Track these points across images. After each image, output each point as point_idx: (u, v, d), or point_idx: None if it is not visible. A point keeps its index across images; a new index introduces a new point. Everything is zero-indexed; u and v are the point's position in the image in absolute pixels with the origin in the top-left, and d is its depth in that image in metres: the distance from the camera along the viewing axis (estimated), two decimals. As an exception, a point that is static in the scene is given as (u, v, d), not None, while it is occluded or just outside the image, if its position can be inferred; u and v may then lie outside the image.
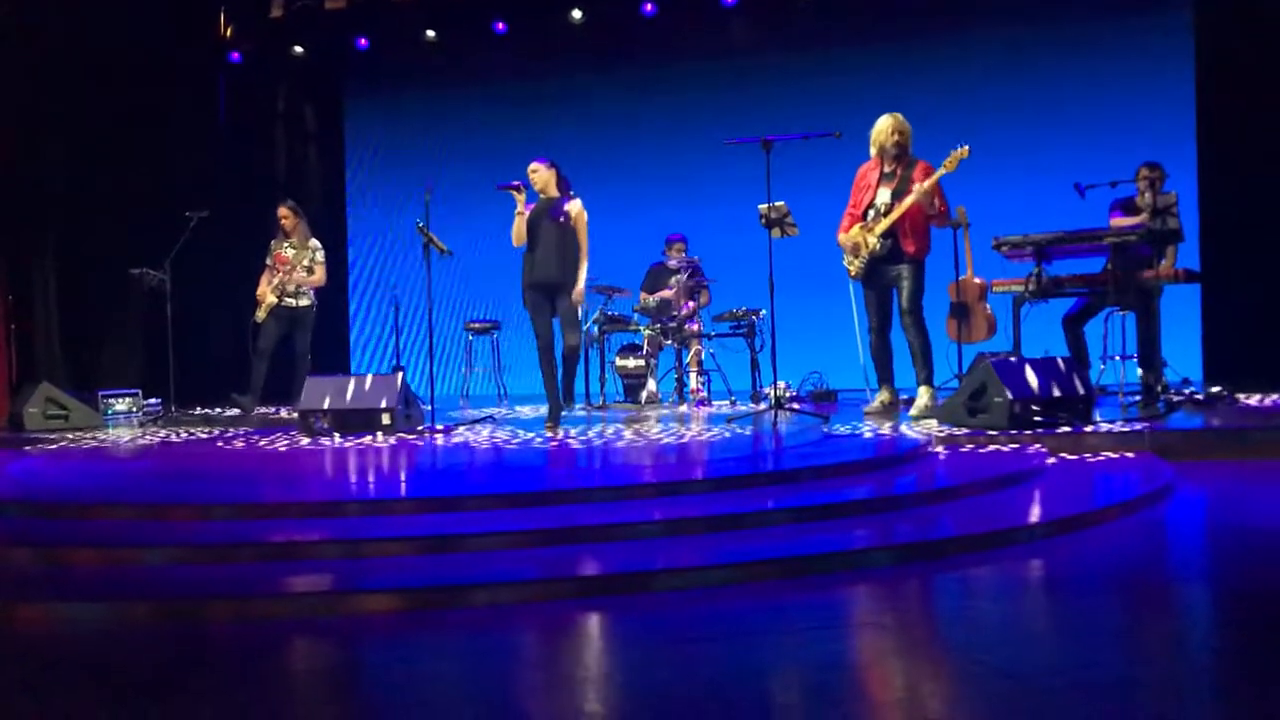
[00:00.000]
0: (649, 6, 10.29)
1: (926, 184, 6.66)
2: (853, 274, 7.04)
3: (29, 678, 2.85)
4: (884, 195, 6.87)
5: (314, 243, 8.49)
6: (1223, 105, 8.52)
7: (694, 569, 3.48)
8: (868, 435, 5.83)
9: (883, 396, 7.15)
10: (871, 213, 6.91)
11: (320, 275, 8.45)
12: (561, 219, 6.76)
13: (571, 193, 6.92)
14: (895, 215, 6.77)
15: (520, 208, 6.81)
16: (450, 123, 11.33)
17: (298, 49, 11.10)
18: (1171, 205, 7.04)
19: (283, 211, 8.44)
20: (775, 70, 10.29)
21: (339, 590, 3.39)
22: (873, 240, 6.85)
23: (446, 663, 2.89)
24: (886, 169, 6.92)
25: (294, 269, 8.31)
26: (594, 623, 3.16)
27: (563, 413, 6.94)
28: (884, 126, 6.86)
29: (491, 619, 3.19)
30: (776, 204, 7.01)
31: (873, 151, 6.95)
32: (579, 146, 10.72)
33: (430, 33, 10.85)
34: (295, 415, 7.37)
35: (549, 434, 6.46)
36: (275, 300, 8.28)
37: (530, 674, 2.81)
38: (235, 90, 11.22)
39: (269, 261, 8.38)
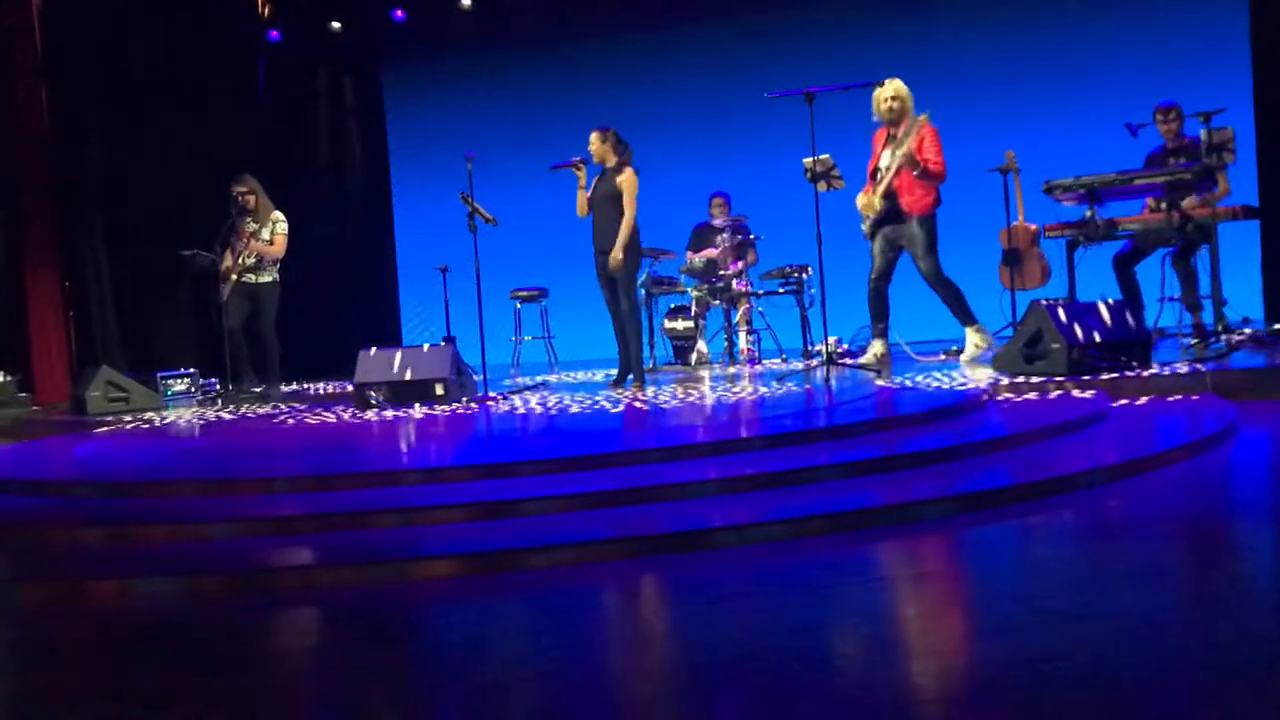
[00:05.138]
0: (686, -36, 10.18)
1: (902, 149, 6.71)
2: (866, 234, 7.10)
3: (102, 652, 2.92)
4: (886, 158, 6.94)
5: (276, 214, 8.12)
6: (1279, 37, 8.25)
7: (751, 525, 3.48)
8: (923, 387, 5.78)
9: (875, 349, 7.17)
10: (878, 175, 6.95)
11: (280, 245, 8.06)
12: (611, 188, 6.93)
13: (625, 158, 7.02)
14: (888, 179, 6.85)
15: (582, 182, 7.05)
16: (490, 89, 11.30)
17: (335, 25, 11.12)
18: (1228, 141, 6.86)
19: (241, 188, 8.02)
20: (820, 23, 10.14)
21: (400, 558, 3.43)
22: (875, 201, 6.93)
23: (509, 625, 2.92)
24: (892, 132, 6.95)
25: (253, 240, 7.99)
26: (652, 581, 3.17)
27: (630, 376, 7.11)
28: (878, 95, 6.89)
29: (550, 581, 3.21)
30: (821, 157, 6.94)
31: (875, 118, 7.00)
32: (620, 107, 10.62)
33: (466, 1, 10.82)
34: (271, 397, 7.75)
35: (614, 392, 6.78)
36: (237, 277, 8.03)
37: (591, 632, 2.83)
38: (275, 68, 11.28)
39: (233, 240, 8.10)
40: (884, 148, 6.99)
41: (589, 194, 7.07)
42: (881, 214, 6.94)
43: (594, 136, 7.06)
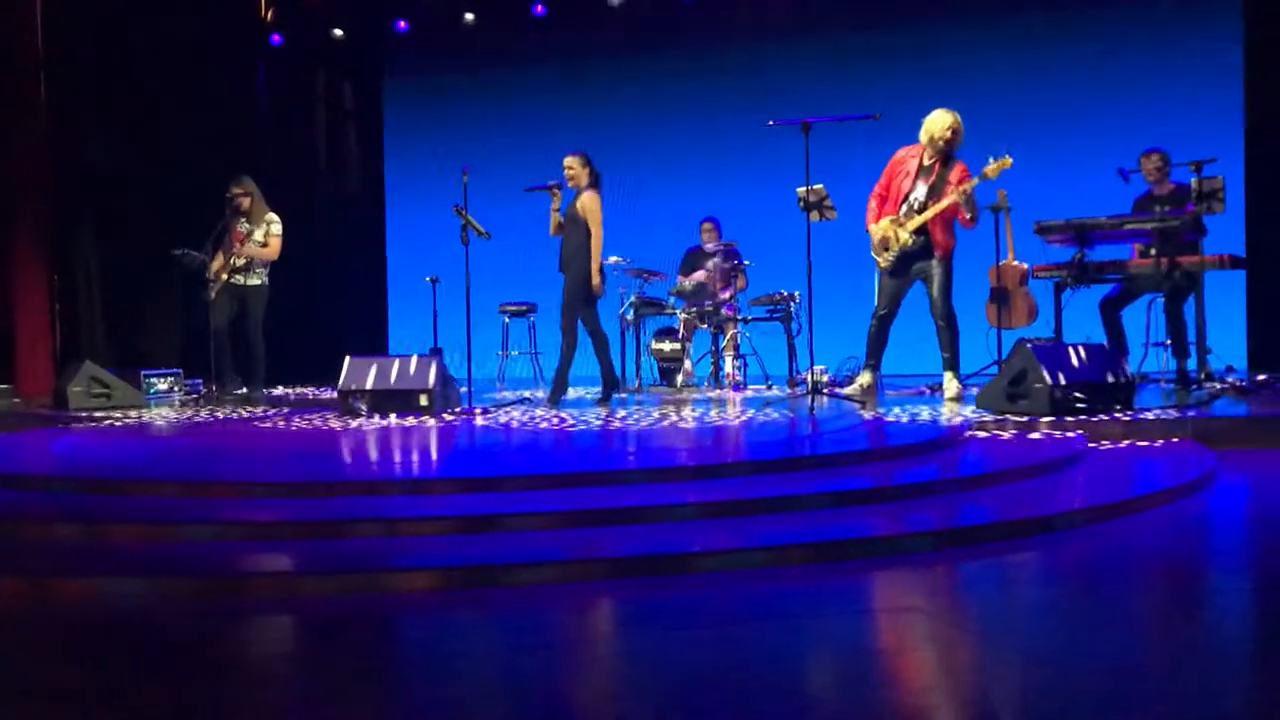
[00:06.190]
0: (688, -11, 10.26)
1: (967, 187, 6.62)
2: (882, 265, 7.00)
3: (69, 651, 2.90)
4: (920, 191, 6.82)
5: (271, 216, 8.13)
6: (1271, 89, 8.36)
7: (731, 551, 3.47)
8: (906, 421, 5.80)
9: (863, 379, 7.17)
10: (905, 207, 6.86)
11: (274, 248, 8.07)
12: (578, 210, 7.12)
13: (593, 184, 7.18)
14: (931, 214, 6.73)
15: (555, 204, 7.24)
16: (489, 105, 11.35)
17: (337, 32, 11.15)
18: (1218, 190, 6.93)
19: (237, 190, 8.07)
20: (815, 54, 10.22)
21: (378, 569, 3.41)
22: (904, 235, 6.82)
23: (482, 641, 2.91)
24: (927, 162, 6.85)
25: (245, 242, 8.00)
26: (629, 603, 3.17)
27: (613, 392, 7.37)
28: (942, 121, 6.73)
29: (528, 598, 3.20)
30: (815, 187, 6.97)
31: (922, 139, 6.84)
32: (617, 129, 10.72)
33: (469, 15, 10.87)
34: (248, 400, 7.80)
35: (599, 410, 6.89)
36: (227, 278, 8.03)
37: (564, 653, 2.82)
38: (275, 73, 11.30)
39: (226, 240, 8.11)
40: (915, 176, 6.87)
41: (561, 216, 7.25)
42: (913, 249, 6.85)
43: (574, 160, 7.20)
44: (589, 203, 7.10)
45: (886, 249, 6.91)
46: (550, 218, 7.32)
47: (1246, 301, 8.45)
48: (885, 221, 6.91)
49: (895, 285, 6.99)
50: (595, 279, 7.08)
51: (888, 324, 7.10)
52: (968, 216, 6.67)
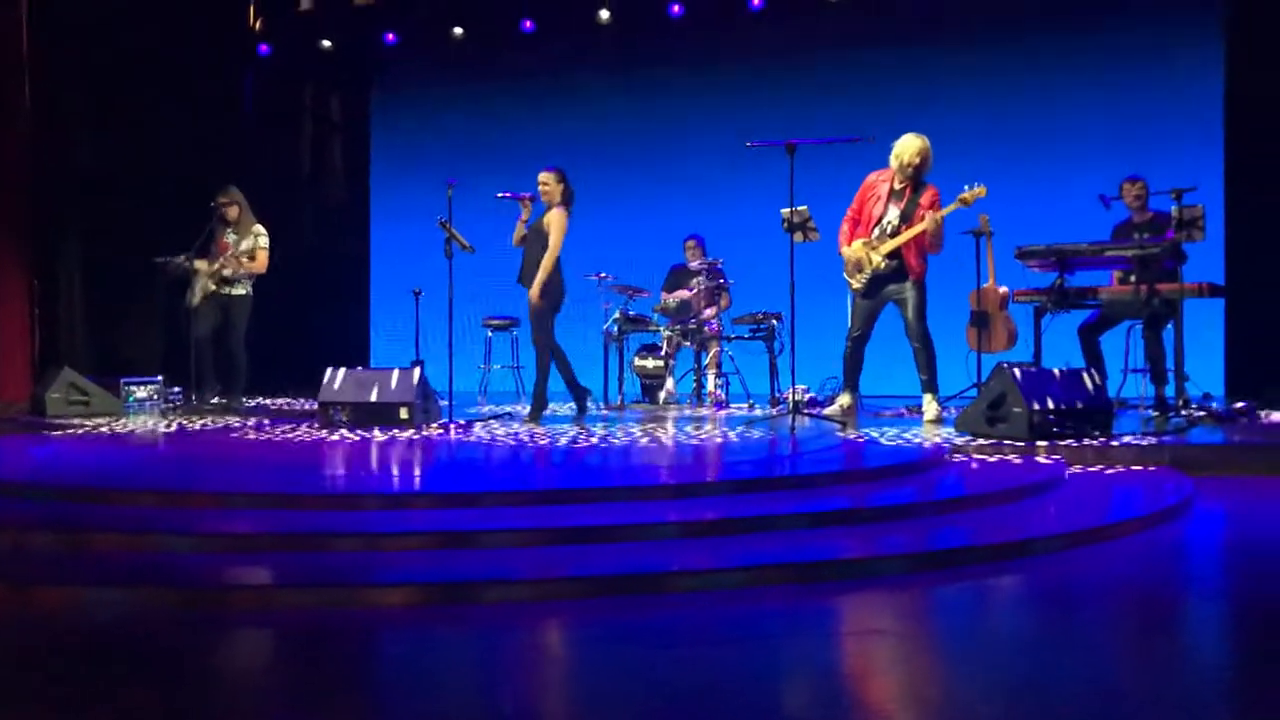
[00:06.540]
0: (676, 8, 10.31)
1: (939, 215, 6.73)
2: (855, 287, 7.07)
3: (44, 660, 2.88)
4: (892, 214, 6.91)
5: (258, 228, 8.11)
6: (1251, 117, 8.45)
7: (708, 572, 3.48)
8: (885, 443, 5.82)
9: (843, 400, 7.23)
10: (877, 230, 6.93)
11: (262, 262, 8.06)
12: (543, 225, 7.18)
13: (565, 202, 7.21)
14: (904, 239, 6.81)
15: (525, 215, 7.28)
16: (476, 120, 11.37)
17: (326, 43, 11.16)
18: (1198, 219, 7.00)
19: (224, 199, 8.04)
20: (800, 75, 10.28)
21: (357, 583, 3.41)
22: (877, 259, 6.90)
23: (459, 657, 2.91)
24: (897, 186, 6.93)
25: (233, 255, 7.98)
26: (607, 623, 3.17)
27: (540, 409, 7.33)
28: (911, 145, 6.81)
29: (506, 616, 3.20)
30: (799, 208, 7.01)
31: (892, 164, 6.91)
32: (604, 146, 10.76)
33: (458, 29, 10.90)
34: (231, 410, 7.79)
35: (577, 426, 6.88)
36: (213, 287, 8.01)
37: (539, 672, 2.82)
38: (263, 82, 11.29)
39: (211, 249, 8.09)
40: (887, 200, 6.94)
41: (526, 229, 7.30)
42: (886, 271, 6.91)
43: (550, 176, 7.24)
44: (555, 218, 7.14)
45: (860, 270, 6.98)
46: (516, 228, 7.34)
47: (1225, 329, 8.52)
48: (858, 244, 6.98)
49: (868, 307, 7.07)
50: (534, 290, 7.09)
51: (862, 345, 7.17)
52: (929, 241, 6.77)
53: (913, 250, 6.83)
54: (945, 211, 6.72)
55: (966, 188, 6.69)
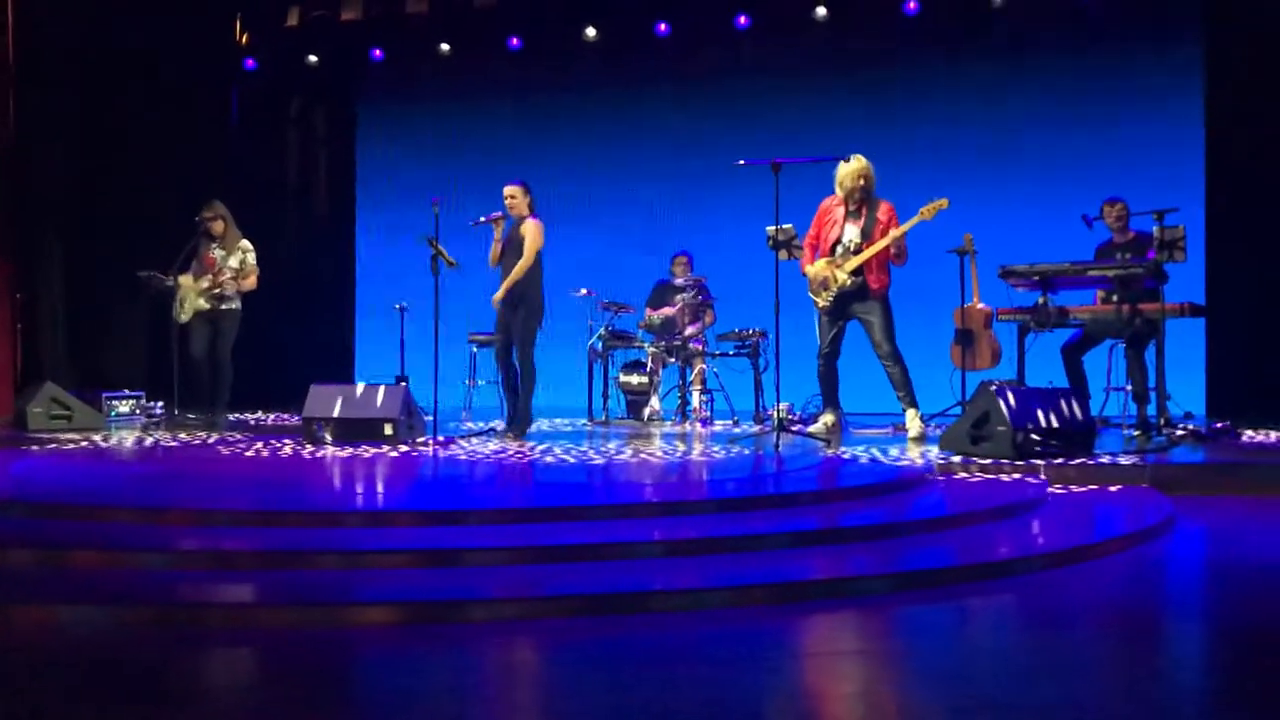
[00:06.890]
0: (663, 26, 10.34)
1: (899, 230, 6.84)
2: (821, 305, 7.14)
3: (21, 679, 2.86)
4: (852, 233, 7.01)
5: (245, 244, 8.08)
6: (1231, 137, 8.50)
7: (690, 591, 3.48)
8: (868, 461, 5.83)
9: (826, 418, 7.28)
10: (839, 249, 7.03)
11: (253, 279, 8.05)
12: (518, 238, 7.19)
13: (532, 210, 7.28)
14: (868, 255, 6.92)
15: (498, 234, 7.30)
16: (462, 136, 11.35)
17: (312, 58, 11.15)
18: (1179, 240, 7.04)
19: (208, 214, 7.97)
20: (787, 93, 10.31)
21: (339, 602, 3.39)
22: (842, 276, 6.97)
23: (439, 678, 2.89)
24: (852, 208, 7.05)
25: (221, 271, 7.93)
26: (589, 643, 3.16)
27: (526, 426, 7.31)
28: (850, 170, 6.96)
29: (488, 635, 3.19)
30: (784, 226, 7.05)
31: (838, 192, 7.06)
32: (590, 163, 10.77)
33: (445, 45, 10.90)
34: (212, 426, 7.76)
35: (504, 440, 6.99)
36: (206, 306, 7.99)
37: (520, 692, 2.81)
38: (249, 97, 11.26)
39: (196, 264, 8.05)
40: (844, 222, 7.05)
41: (502, 246, 7.31)
42: (851, 289, 6.98)
43: (515, 189, 7.27)
44: (530, 228, 7.16)
45: (825, 288, 7.06)
46: (492, 248, 7.34)
47: (1206, 349, 8.56)
48: (821, 262, 7.09)
49: (834, 326, 7.17)
50: (499, 294, 7.16)
51: (833, 362, 7.25)
52: (894, 253, 6.88)
53: (873, 268, 6.94)
54: (907, 226, 6.85)
55: (930, 201, 6.79)
